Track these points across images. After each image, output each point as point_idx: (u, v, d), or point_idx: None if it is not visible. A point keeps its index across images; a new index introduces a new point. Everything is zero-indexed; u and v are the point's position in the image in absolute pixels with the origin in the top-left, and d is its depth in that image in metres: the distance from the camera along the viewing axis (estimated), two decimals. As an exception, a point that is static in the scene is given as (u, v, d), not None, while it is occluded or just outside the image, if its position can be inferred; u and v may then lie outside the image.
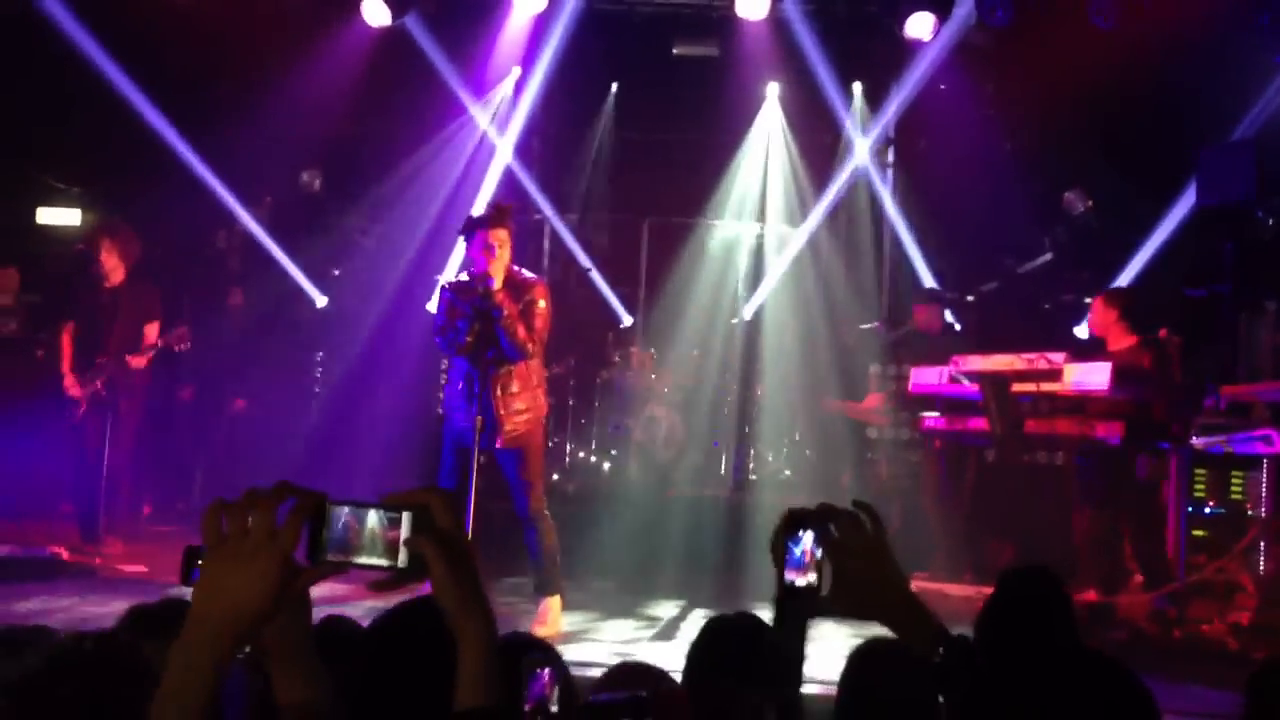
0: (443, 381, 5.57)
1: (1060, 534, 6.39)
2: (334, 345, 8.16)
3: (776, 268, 7.97)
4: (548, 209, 8.51)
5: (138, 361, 6.31)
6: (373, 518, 1.40)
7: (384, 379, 7.97)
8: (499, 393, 5.23)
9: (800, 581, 1.67)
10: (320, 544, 1.37)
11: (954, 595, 5.84)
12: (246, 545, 1.30)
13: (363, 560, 1.39)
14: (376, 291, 8.25)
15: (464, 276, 5.36)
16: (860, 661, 2.68)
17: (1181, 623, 5.67)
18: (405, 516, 1.39)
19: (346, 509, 1.39)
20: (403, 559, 1.37)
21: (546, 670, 2.84)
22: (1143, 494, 6.13)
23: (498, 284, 5.15)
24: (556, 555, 5.33)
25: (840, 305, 7.95)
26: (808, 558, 1.66)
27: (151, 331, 6.40)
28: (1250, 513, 6.04)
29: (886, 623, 1.67)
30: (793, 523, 1.67)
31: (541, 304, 5.27)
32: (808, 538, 1.66)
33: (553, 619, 5.31)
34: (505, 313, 5.13)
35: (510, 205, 5.53)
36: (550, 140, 8.98)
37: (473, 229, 5.28)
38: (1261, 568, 5.92)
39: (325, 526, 1.37)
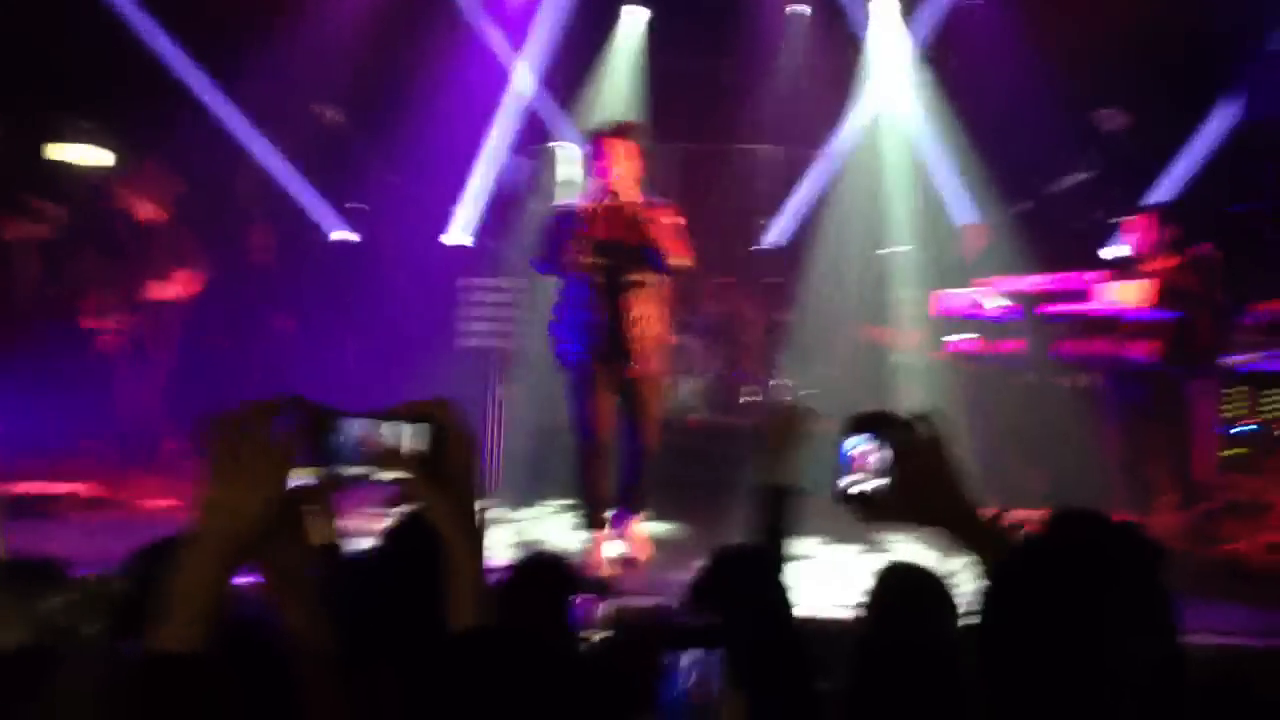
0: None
1: (1094, 457, 6.33)
2: (360, 280, 8.13)
3: (805, 192, 7.84)
4: (574, 139, 8.39)
5: (162, 293, 6.29)
6: (386, 429, 1.36)
7: (411, 309, 7.95)
8: (629, 313, 5.14)
9: (851, 485, 1.62)
10: (328, 456, 1.33)
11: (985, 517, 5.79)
12: (243, 458, 1.27)
13: (374, 473, 1.35)
14: (402, 225, 8.21)
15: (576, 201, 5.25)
16: (887, 581, 2.65)
17: (1214, 541, 5.63)
18: (418, 428, 1.35)
19: (358, 421, 1.35)
20: (412, 470, 1.34)
21: (585, 599, 2.83)
22: (1177, 413, 6.04)
23: (629, 191, 5.07)
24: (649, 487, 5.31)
25: (869, 229, 7.82)
26: (861, 461, 1.62)
27: (181, 276, 6.37)
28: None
29: (950, 529, 1.63)
30: (850, 427, 1.62)
31: (680, 221, 5.18)
32: (861, 442, 1.62)
33: (646, 543, 5.32)
34: (640, 221, 5.03)
35: (636, 123, 5.43)
36: (573, 64, 8.83)
37: (598, 139, 5.20)
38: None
39: (333, 437, 1.34)
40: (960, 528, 1.62)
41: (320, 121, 8.56)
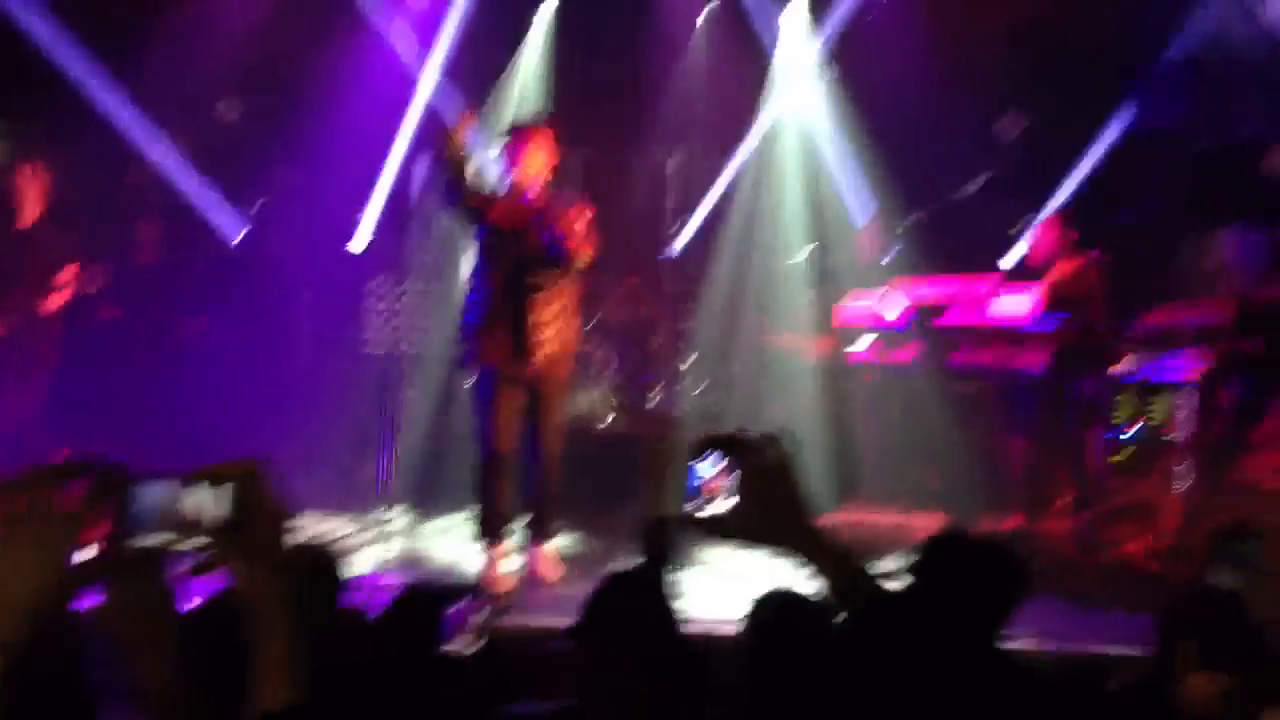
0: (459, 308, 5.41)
1: (989, 461, 6.45)
2: (261, 282, 7.97)
3: (708, 198, 7.85)
4: (478, 134, 8.30)
5: (50, 304, 6.11)
6: (188, 494, 1.31)
7: (310, 313, 7.82)
8: (533, 315, 5.08)
9: (699, 509, 1.63)
10: (124, 525, 1.28)
11: (881, 524, 5.87)
12: (24, 528, 1.21)
13: (176, 542, 1.30)
14: (301, 224, 8.05)
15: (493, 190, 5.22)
16: (764, 609, 2.66)
17: (1103, 546, 5.76)
18: (222, 492, 1.30)
19: (157, 485, 1.30)
20: (217, 538, 1.29)
21: (459, 609, 2.82)
22: (1070, 420, 6.18)
23: (538, 189, 5.04)
24: (557, 500, 5.23)
25: (771, 234, 7.86)
26: (710, 484, 1.63)
27: (67, 275, 6.18)
28: (1168, 436, 6.10)
29: (792, 549, 1.65)
30: (699, 449, 1.63)
31: (588, 217, 5.15)
32: (710, 463, 1.62)
33: (555, 563, 5.23)
34: (546, 216, 4.99)
35: (551, 120, 5.38)
36: (480, 63, 8.74)
37: (513, 134, 5.17)
38: (1181, 489, 6.00)
39: (129, 504, 1.28)
40: (804, 548, 1.63)
41: (220, 119, 8.37)
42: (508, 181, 5.21)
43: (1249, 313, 5.95)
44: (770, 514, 1.61)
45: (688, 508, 1.64)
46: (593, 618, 2.40)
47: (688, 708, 2.11)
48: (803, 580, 1.88)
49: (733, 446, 1.62)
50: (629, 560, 2.54)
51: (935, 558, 2.36)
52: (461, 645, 2.89)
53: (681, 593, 2.47)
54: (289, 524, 1.32)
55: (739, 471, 1.60)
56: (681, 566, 2.47)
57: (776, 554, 1.66)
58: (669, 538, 2.48)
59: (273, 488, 1.32)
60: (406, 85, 8.24)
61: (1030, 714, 2.11)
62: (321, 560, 2.45)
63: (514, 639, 4.28)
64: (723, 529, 1.62)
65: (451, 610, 3.21)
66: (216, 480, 1.29)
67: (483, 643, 3.25)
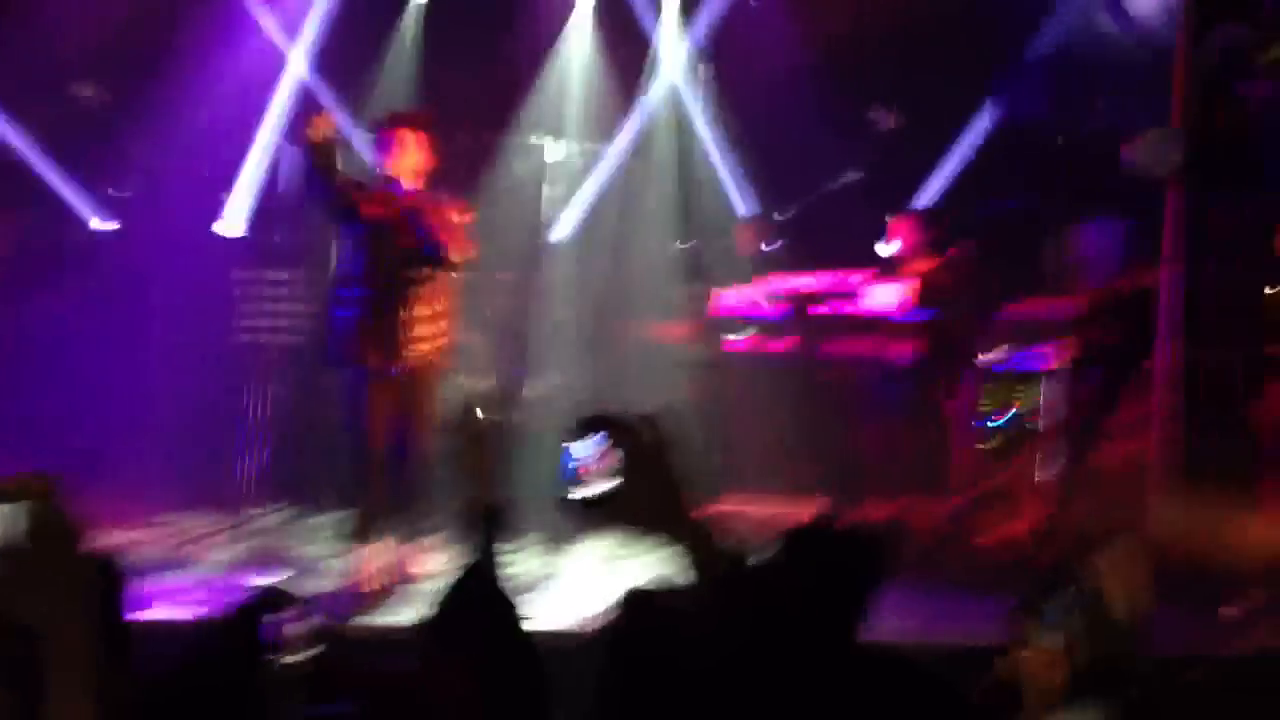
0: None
1: (863, 450, 6.55)
2: (115, 270, 7.66)
3: (586, 187, 7.80)
4: (348, 124, 8.12)
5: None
6: None
7: (175, 302, 7.57)
8: (408, 313, 4.95)
9: (575, 491, 1.60)
10: None
11: (755, 515, 5.91)
12: None
13: None
14: (166, 210, 7.77)
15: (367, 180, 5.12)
16: (629, 607, 2.64)
17: (974, 532, 5.90)
18: (12, 511, 1.21)
19: None
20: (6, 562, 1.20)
21: (283, 617, 2.75)
22: (936, 409, 6.32)
23: (413, 184, 4.95)
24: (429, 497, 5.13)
25: (648, 226, 7.85)
26: (586, 466, 1.59)
27: None
28: (1036, 422, 6.27)
29: (666, 535, 1.62)
30: (576, 430, 1.60)
31: (465, 218, 5.08)
32: (588, 445, 1.59)
33: (423, 561, 5.13)
34: (423, 213, 4.90)
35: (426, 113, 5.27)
36: (350, 50, 8.54)
37: (386, 129, 5.03)
38: (1047, 475, 6.18)
39: None
40: (680, 534, 1.61)
41: (78, 102, 8.02)
42: (382, 175, 5.08)
43: (1105, 304, 6.16)
44: (648, 497, 1.59)
45: (564, 490, 1.61)
46: (434, 619, 2.36)
47: (528, 713, 2.07)
48: (665, 574, 1.88)
49: (612, 428, 1.59)
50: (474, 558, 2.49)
51: (797, 547, 2.37)
52: (290, 654, 2.82)
53: (524, 589, 2.45)
54: (80, 544, 1.24)
55: (619, 453, 1.57)
56: (506, 560, 2.44)
57: (651, 539, 1.63)
58: (493, 526, 2.45)
59: (65, 506, 1.23)
60: (276, 65, 8.01)
61: (891, 703, 2.13)
62: (107, 571, 2.35)
63: (363, 643, 4.24)
64: (600, 513, 1.60)
65: (279, 618, 3.13)
66: (5, 498, 1.20)
67: (314, 651, 3.17)
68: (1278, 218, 5.42)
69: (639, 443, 1.60)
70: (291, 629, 2.96)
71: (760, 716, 1.85)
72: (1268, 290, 5.36)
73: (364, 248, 5.01)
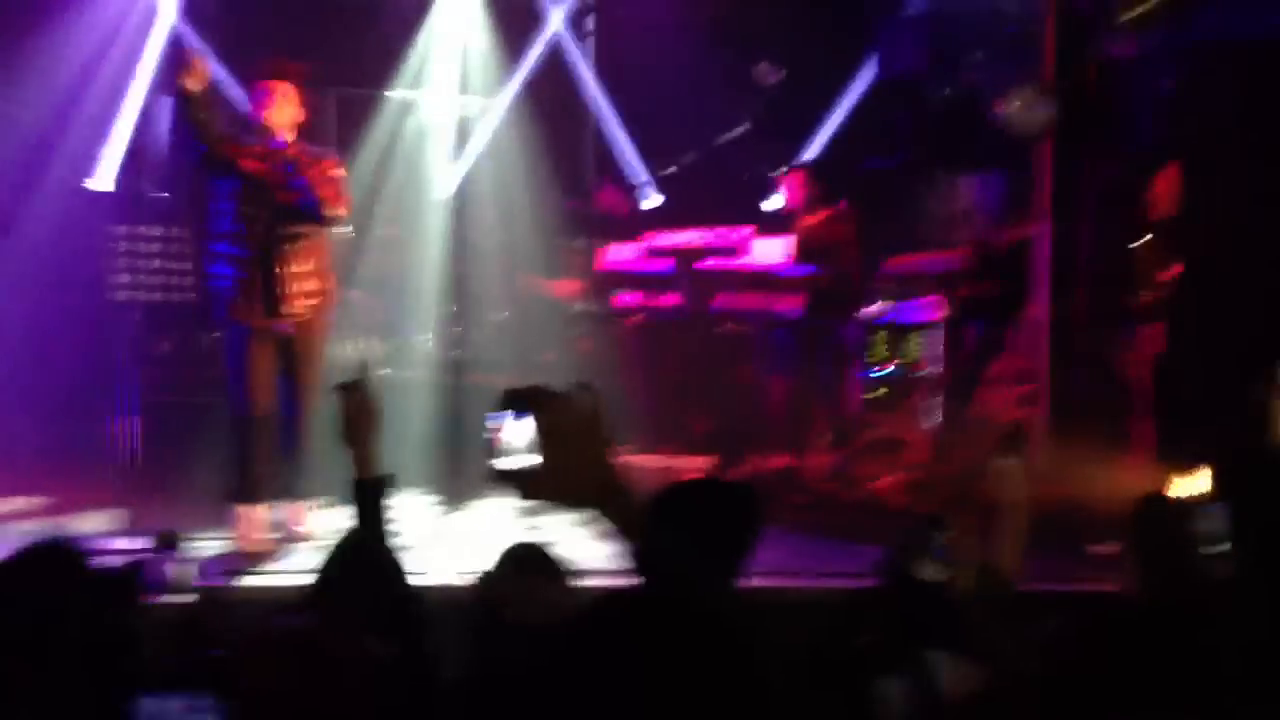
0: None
1: (755, 402, 6.66)
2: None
3: (476, 142, 7.69)
4: (224, 78, 7.86)
5: None
6: None
7: (45, 258, 7.29)
8: (286, 269, 4.86)
9: (498, 464, 1.59)
10: None
11: (649, 467, 5.98)
12: None
13: None
14: (34, 162, 7.45)
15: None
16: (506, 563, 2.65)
17: (859, 481, 6.05)
18: None
19: None
20: None
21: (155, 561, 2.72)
22: (827, 361, 6.45)
23: (289, 138, 4.83)
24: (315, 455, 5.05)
25: (541, 180, 7.79)
26: (507, 437, 1.59)
27: None
28: (920, 373, 6.44)
29: (594, 505, 1.63)
30: (503, 403, 1.60)
31: (341, 173, 5.00)
32: (505, 419, 1.59)
33: (310, 520, 5.05)
34: (299, 167, 4.81)
35: (298, 65, 5.10)
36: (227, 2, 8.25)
37: (258, 81, 4.91)
38: (930, 425, 6.36)
39: None
40: (606, 505, 1.62)
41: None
42: (255, 127, 4.96)
43: (985, 257, 6.33)
44: (574, 470, 1.60)
45: (491, 462, 1.61)
46: (320, 581, 2.35)
47: (415, 666, 2.10)
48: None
49: (538, 400, 1.59)
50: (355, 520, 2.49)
51: (671, 502, 2.42)
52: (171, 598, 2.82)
53: (405, 548, 2.46)
54: None
55: (542, 426, 1.58)
56: (391, 522, 2.45)
57: (576, 510, 1.64)
58: (377, 498, 2.45)
59: None
60: (148, 12, 7.71)
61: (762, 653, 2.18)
62: None
63: (245, 601, 4.20)
64: (525, 486, 1.60)
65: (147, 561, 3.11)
66: None
67: (191, 599, 3.16)
68: (1144, 174, 5.62)
69: (565, 417, 1.60)
70: (172, 574, 2.94)
71: (636, 669, 1.88)
72: (1133, 245, 5.56)
73: (240, 202, 4.89)
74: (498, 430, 1.60)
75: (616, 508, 1.64)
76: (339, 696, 1.67)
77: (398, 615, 2.23)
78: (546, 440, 1.58)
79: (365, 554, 2.33)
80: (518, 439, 1.59)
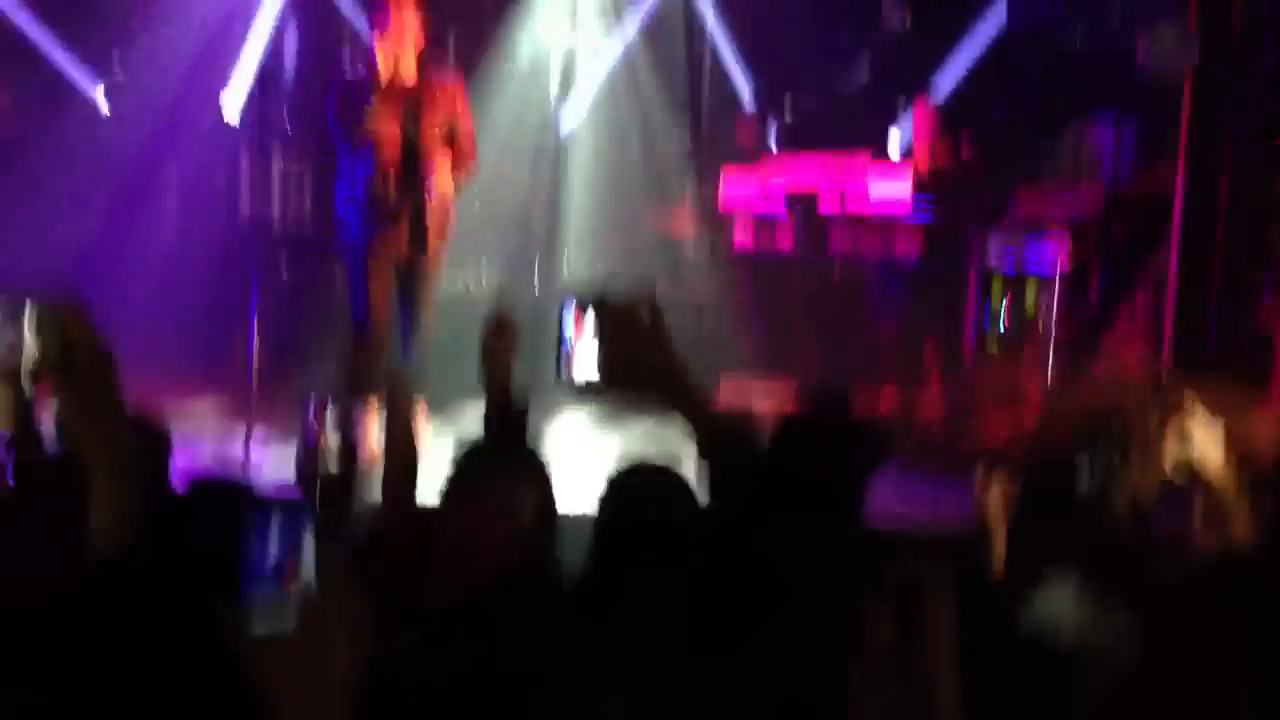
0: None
1: (864, 347, 6.60)
2: (117, 149, 7.58)
3: (591, 81, 7.68)
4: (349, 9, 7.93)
5: None
6: (10, 319, 1.21)
7: (178, 184, 7.52)
8: (423, 193, 4.89)
9: (576, 376, 1.64)
10: None
11: (758, 396, 5.95)
12: None
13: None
14: (168, 90, 7.65)
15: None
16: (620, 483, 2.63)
17: (972, 432, 5.95)
18: (48, 320, 1.20)
19: None
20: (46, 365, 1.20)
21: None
22: (942, 307, 6.34)
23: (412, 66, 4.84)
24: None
25: (657, 120, 7.76)
26: (577, 342, 1.62)
27: None
28: (1038, 325, 6.29)
29: (663, 400, 1.65)
30: (568, 309, 1.61)
31: (468, 119, 5.01)
32: (574, 318, 1.61)
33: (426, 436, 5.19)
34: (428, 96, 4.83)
35: None
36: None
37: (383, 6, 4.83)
38: (1048, 377, 6.22)
39: None
40: (675, 400, 1.64)
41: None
42: (380, 55, 4.93)
43: (1116, 204, 6.14)
44: (638, 364, 1.61)
45: (570, 374, 1.63)
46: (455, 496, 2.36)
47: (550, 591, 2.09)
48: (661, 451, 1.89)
49: (597, 300, 1.61)
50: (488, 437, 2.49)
51: (792, 432, 2.38)
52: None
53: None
54: (113, 366, 1.26)
55: (605, 322, 1.60)
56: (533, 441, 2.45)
57: (648, 406, 1.65)
58: (519, 414, 2.45)
59: (97, 328, 1.24)
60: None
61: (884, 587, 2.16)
62: (153, 427, 2.35)
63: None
64: (595, 383, 1.62)
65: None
66: (43, 311, 1.21)
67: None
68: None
69: (625, 312, 1.62)
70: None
71: (756, 597, 1.88)
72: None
73: (373, 136, 4.93)
74: (568, 334, 1.62)
75: (686, 403, 1.65)
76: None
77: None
78: (609, 334, 1.60)
79: (511, 461, 2.32)
80: (591, 352, 1.62)
